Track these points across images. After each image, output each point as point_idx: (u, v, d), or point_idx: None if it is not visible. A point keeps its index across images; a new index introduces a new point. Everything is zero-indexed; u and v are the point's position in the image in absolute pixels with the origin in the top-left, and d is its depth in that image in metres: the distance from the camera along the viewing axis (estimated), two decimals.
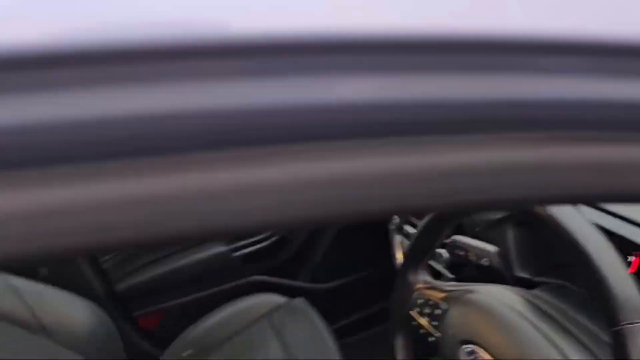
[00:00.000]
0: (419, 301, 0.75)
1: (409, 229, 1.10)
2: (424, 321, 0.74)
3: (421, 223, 0.75)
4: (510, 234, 0.81)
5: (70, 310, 1.36)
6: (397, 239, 1.19)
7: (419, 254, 0.77)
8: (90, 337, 1.35)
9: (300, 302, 1.56)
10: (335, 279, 1.86)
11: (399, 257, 1.18)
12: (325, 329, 1.42)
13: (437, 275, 0.92)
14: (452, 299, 0.71)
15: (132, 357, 1.48)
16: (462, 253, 0.81)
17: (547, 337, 0.58)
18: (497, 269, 0.78)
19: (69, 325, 1.33)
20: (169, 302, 1.70)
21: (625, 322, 0.49)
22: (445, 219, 0.72)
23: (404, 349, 0.79)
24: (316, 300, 1.55)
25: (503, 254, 0.77)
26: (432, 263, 0.97)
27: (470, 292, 0.69)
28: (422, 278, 0.77)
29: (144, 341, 1.68)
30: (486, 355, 0.60)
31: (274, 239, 1.77)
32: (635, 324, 0.49)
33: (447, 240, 0.80)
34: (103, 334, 1.39)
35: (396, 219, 1.13)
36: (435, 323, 0.72)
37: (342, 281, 1.87)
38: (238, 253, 1.74)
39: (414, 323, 0.76)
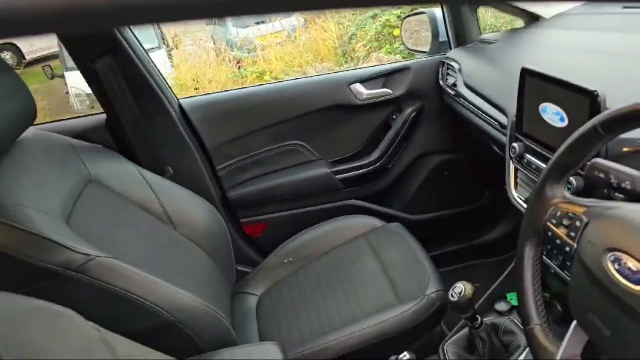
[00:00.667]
0: (557, 214, 0.79)
1: (530, 157, 1.12)
2: (561, 232, 0.78)
3: (568, 139, 0.78)
4: None
5: (192, 208, 1.49)
6: (512, 167, 1.21)
7: (561, 169, 0.80)
8: (207, 232, 1.49)
9: (396, 226, 1.64)
10: (429, 211, 1.92)
11: (512, 186, 1.21)
12: (421, 251, 1.49)
13: None
14: (593, 213, 0.74)
15: (237, 260, 1.61)
16: (601, 175, 0.83)
17: None
18: (638, 192, 0.80)
19: (191, 220, 1.46)
20: (273, 214, 1.83)
21: None
22: (595, 137, 0.74)
23: (532, 260, 0.83)
24: (410, 229, 1.62)
25: None
26: None
27: (614, 207, 0.72)
28: (560, 193, 0.80)
29: (248, 246, 1.83)
30: (633, 262, 0.64)
31: (374, 167, 1.84)
32: None
33: (588, 162, 0.82)
34: (217, 232, 1.52)
35: (516, 148, 1.15)
36: (573, 234, 0.76)
37: (436, 214, 1.92)
38: (340, 176, 1.82)
39: (549, 234, 0.80)
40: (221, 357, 1.11)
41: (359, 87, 1.76)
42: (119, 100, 1.48)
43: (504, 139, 1.34)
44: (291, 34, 8.06)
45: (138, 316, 1.07)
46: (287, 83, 1.88)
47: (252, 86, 1.92)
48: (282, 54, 7.20)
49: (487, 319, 1.23)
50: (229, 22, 9.32)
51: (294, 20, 9.05)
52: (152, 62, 1.58)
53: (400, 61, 1.87)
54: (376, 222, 1.66)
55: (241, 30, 8.72)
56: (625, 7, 1.42)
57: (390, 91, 1.78)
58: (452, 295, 1.15)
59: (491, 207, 1.97)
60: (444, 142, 1.87)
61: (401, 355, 1.11)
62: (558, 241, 0.78)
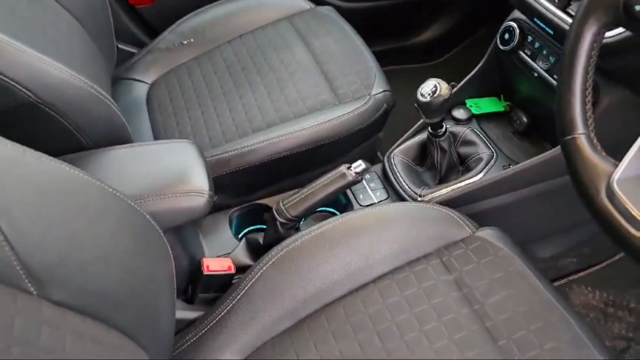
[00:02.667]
0: None
1: None
2: None
3: None
4: None
5: None
6: None
7: None
8: None
9: (329, 9, 1.31)
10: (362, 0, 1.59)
11: None
12: (363, 44, 1.20)
13: None
14: None
15: (118, 37, 1.20)
16: None
17: None
18: None
19: None
20: None
21: None
22: None
23: (590, 45, 0.59)
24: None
25: None
26: None
27: None
28: None
29: (131, 20, 1.39)
30: None
31: None
32: None
33: None
34: None
35: None
36: None
37: (369, 4, 1.59)
38: None
39: (637, 9, 0.55)
40: (111, 157, 0.79)
41: None
42: None
43: None
44: None
45: None
46: None
47: None
48: None
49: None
50: None
51: None
52: None
53: None
54: (303, 3, 1.32)
55: None
56: None
57: None
58: (422, 95, 0.91)
59: (428, 4, 1.69)
60: None
61: (354, 164, 0.89)
62: None
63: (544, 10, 0.87)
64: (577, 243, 1.16)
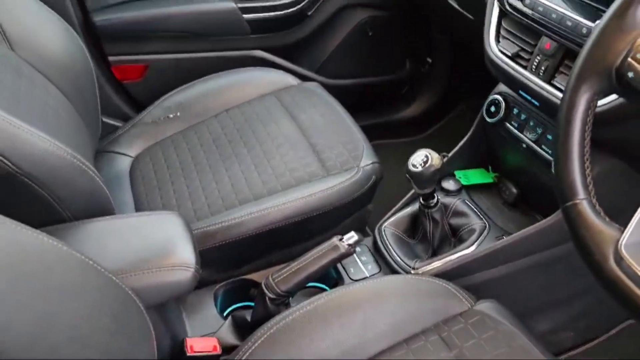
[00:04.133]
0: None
1: None
2: None
3: None
4: None
5: (42, 26, 1.05)
6: (496, 12, 0.96)
7: None
8: (64, 64, 1.05)
9: (315, 85, 1.33)
10: (344, 77, 1.63)
11: (493, 38, 0.96)
12: (349, 117, 1.21)
13: None
14: None
15: (104, 111, 1.19)
16: None
17: None
18: None
19: (39, 43, 1.02)
20: (155, 55, 1.39)
21: None
22: None
23: (585, 112, 0.59)
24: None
25: None
26: None
27: None
28: None
29: (118, 95, 1.39)
30: None
31: (292, 10, 1.46)
32: None
33: None
34: (78, 67, 1.09)
35: None
36: None
37: (351, 81, 1.64)
38: (249, 17, 1.42)
39: (629, 75, 0.56)
40: (93, 230, 0.75)
41: None
42: None
43: None
44: None
45: None
46: None
47: None
48: None
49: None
50: None
51: None
52: None
53: None
54: (289, 78, 1.34)
55: None
56: None
57: None
58: (413, 166, 0.90)
59: (410, 81, 1.74)
60: None
61: (347, 236, 0.86)
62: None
63: (529, 83, 0.88)
64: (574, 316, 1.13)
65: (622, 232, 0.54)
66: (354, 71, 1.64)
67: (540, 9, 0.86)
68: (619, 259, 0.53)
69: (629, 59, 0.56)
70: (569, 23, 0.80)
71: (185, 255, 0.73)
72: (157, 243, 0.74)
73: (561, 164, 0.60)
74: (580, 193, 0.58)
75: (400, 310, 0.78)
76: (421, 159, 0.89)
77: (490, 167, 1.13)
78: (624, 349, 1.19)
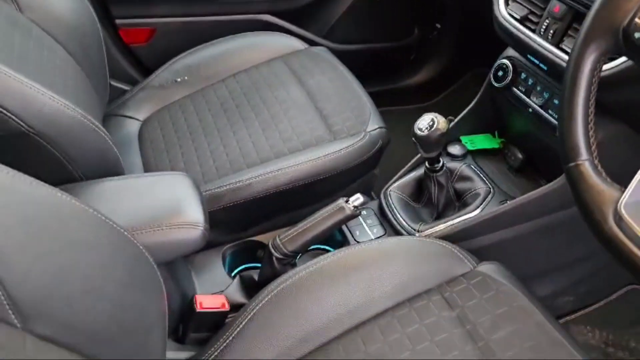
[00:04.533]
0: None
1: None
2: None
3: None
4: None
5: None
6: None
7: None
8: (71, 26, 1.06)
9: (322, 50, 1.33)
10: (351, 42, 1.62)
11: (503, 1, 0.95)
12: (356, 82, 1.21)
13: None
14: None
15: (111, 74, 1.20)
16: None
17: None
18: None
19: (46, 5, 1.01)
20: (162, 18, 1.39)
21: None
22: None
23: (591, 73, 0.59)
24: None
25: None
26: None
27: None
28: None
29: (125, 58, 1.40)
30: None
31: None
32: None
33: None
34: (86, 29, 1.10)
35: None
36: None
37: (359, 47, 1.63)
38: None
39: (636, 35, 0.56)
40: (105, 189, 0.77)
41: None
42: None
43: None
44: None
45: None
46: None
47: None
48: None
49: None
50: None
51: None
52: None
53: None
54: (297, 43, 1.33)
55: None
56: None
57: None
58: (419, 129, 0.91)
59: (418, 48, 1.72)
60: None
61: (353, 198, 0.87)
62: None
63: (537, 47, 0.88)
64: (574, 281, 1.14)
65: (623, 192, 0.55)
66: (362, 37, 1.63)
67: None
68: (619, 219, 0.54)
69: (637, 19, 0.56)
70: None
71: (194, 214, 0.74)
72: (167, 202, 0.76)
73: (565, 124, 0.60)
74: (583, 154, 0.59)
75: (405, 271, 0.80)
76: (427, 122, 0.90)
77: (496, 133, 1.13)
78: (623, 314, 1.22)
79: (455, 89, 1.74)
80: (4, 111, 0.67)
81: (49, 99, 0.72)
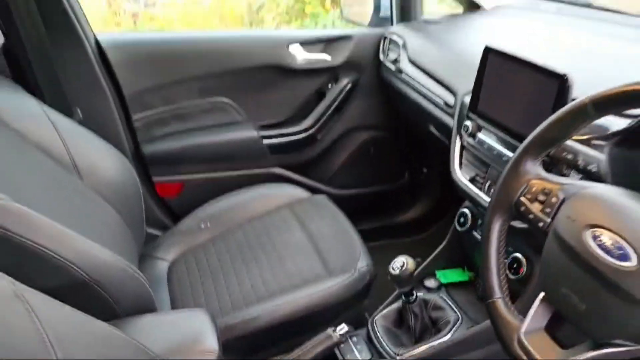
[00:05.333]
0: (533, 190, 0.78)
1: (483, 136, 1.13)
2: (535, 207, 0.77)
3: (555, 114, 0.77)
4: (607, 150, 0.85)
5: (103, 157, 1.33)
6: (458, 146, 1.21)
7: (542, 145, 0.79)
8: (118, 187, 1.33)
9: (323, 198, 1.59)
10: (352, 187, 1.90)
11: (457, 165, 1.21)
12: (349, 225, 1.45)
13: None
14: (570, 191, 0.74)
15: (147, 222, 1.47)
16: (570, 157, 0.84)
17: None
18: (603, 175, 0.82)
19: (100, 171, 1.30)
20: (190, 175, 1.69)
21: None
22: (584, 114, 0.74)
23: (499, 234, 0.82)
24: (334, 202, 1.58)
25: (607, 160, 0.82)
26: None
27: (590, 187, 0.73)
28: (536, 170, 0.80)
29: (159, 208, 1.68)
30: (614, 239, 0.65)
31: (303, 135, 1.77)
32: None
33: None
34: (129, 189, 1.37)
35: (469, 127, 1.14)
36: (548, 210, 0.75)
37: (358, 191, 1.90)
38: (267, 142, 1.73)
39: (522, 209, 0.79)
40: (142, 323, 0.98)
41: (297, 49, 1.67)
42: (23, 18, 1.25)
43: (446, 119, 1.34)
44: None
45: (45, 273, 0.91)
46: (222, 33, 1.75)
47: (183, 31, 1.76)
48: (184, 14, 6.81)
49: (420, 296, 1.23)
50: None
51: None
52: None
53: (343, 29, 1.81)
54: (302, 192, 1.60)
55: None
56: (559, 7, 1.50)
57: (329, 58, 1.71)
58: (393, 269, 1.13)
59: (409, 189, 2.00)
60: (374, 118, 1.85)
61: (339, 327, 1.07)
62: (531, 216, 0.78)
63: (482, 202, 1.12)
64: None
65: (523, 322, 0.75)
66: (359, 182, 1.92)
67: (486, 146, 1.12)
68: (521, 344, 0.73)
69: (521, 198, 0.80)
70: (504, 159, 1.05)
71: (210, 344, 0.95)
72: (190, 334, 0.97)
73: (483, 272, 0.82)
74: (497, 293, 0.80)
75: None
76: (399, 264, 1.12)
77: (466, 267, 1.34)
78: None
79: (441, 224, 1.97)
80: (70, 264, 0.90)
81: (103, 254, 0.97)
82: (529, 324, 0.74)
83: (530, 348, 0.72)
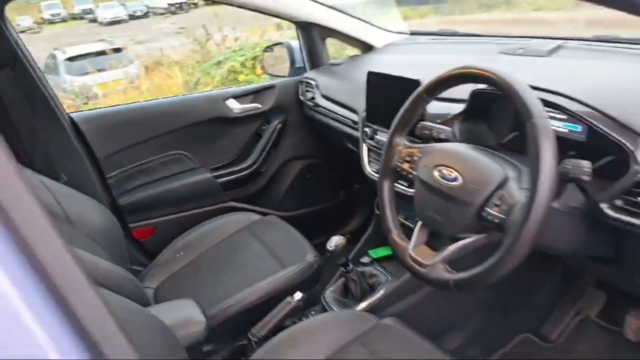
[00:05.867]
0: (402, 155, 1.16)
1: (378, 137, 1.52)
2: (406, 166, 1.15)
3: (405, 104, 1.16)
4: (456, 126, 1.26)
5: (88, 209, 1.63)
6: (366, 148, 1.60)
7: (402, 124, 1.17)
8: (103, 230, 1.63)
9: (272, 217, 1.93)
10: (297, 209, 2.25)
11: (367, 162, 1.59)
12: (296, 232, 1.79)
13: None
14: (424, 151, 1.12)
15: (130, 262, 1.76)
16: (427, 132, 1.24)
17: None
18: (450, 139, 1.21)
19: (88, 220, 1.60)
20: (161, 218, 2.00)
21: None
22: (421, 99, 1.14)
23: (389, 191, 1.19)
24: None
25: (453, 132, 1.22)
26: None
27: (433, 146, 1.12)
28: (403, 141, 1.18)
29: (136, 250, 1.97)
30: (448, 170, 1.03)
31: (249, 171, 2.13)
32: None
33: (417, 125, 1.22)
34: (112, 231, 1.67)
35: (368, 132, 1.54)
36: (413, 166, 1.13)
37: (302, 211, 2.26)
38: (220, 180, 2.07)
39: (398, 169, 1.16)
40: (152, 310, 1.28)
41: (233, 102, 2.06)
42: (17, 111, 1.59)
43: (356, 134, 1.74)
44: (135, 81, 8.15)
45: None
46: (170, 99, 2.11)
47: (138, 102, 2.12)
48: (125, 100, 7.18)
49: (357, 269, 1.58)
50: (62, 70, 9.08)
51: (135, 68, 9.14)
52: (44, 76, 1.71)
53: (267, 82, 2.23)
54: (255, 216, 1.94)
55: (76, 78, 8.66)
56: (432, 39, 1.96)
57: (259, 105, 2.11)
58: (330, 247, 1.47)
59: (345, 205, 2.37)
60: (305, 149, 2.24)
61: (295, 295, 1.40)
62: (404, 172, 1.15)
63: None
64: (475, 333, 1.61)
65: (409, 242, 1.11)
66: (303, 204, 2.28)
67: (381, 143, 1.51)
68: (411, 256, 1.09)
69: (397, 162, 1.17)
70: None
71: (199, 318, 1.26)
72: (184, 313, 1.27)
73: (382, 218, 1.18)
74: (393, 230, 1.16)
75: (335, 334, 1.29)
76: (334, 242, 1.47)
77: None
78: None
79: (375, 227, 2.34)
80: None
81: (102, 262, 1.27)
82: (414, 243, 1.11)
83: (416, 257, 1.08)
